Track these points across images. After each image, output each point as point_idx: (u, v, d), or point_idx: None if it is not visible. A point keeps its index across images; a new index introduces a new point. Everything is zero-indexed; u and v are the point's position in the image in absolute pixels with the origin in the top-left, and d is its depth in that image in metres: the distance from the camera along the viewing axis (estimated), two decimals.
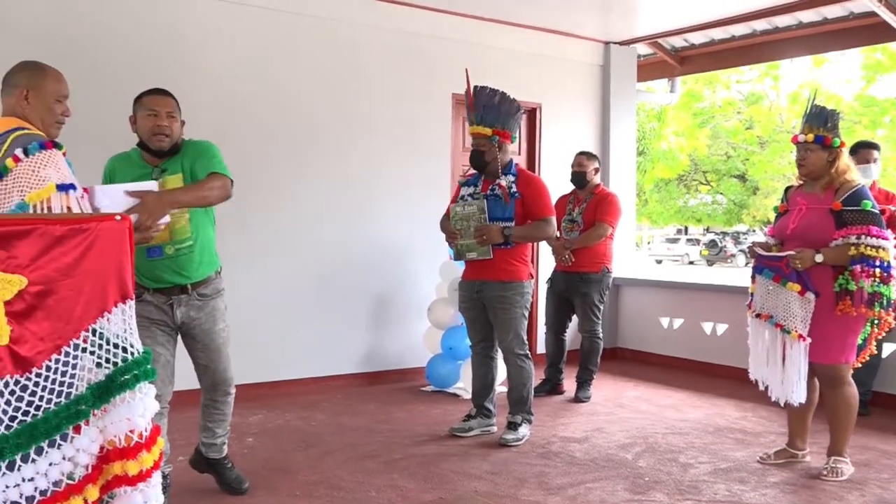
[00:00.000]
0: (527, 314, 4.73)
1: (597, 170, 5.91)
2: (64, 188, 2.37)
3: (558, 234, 5.55)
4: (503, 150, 4.67)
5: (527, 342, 4.75)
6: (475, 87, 4.65)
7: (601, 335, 5.90)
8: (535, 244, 6.35)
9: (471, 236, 4.61)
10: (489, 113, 4.63)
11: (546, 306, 6.11)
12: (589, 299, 5.78)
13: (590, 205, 5.79)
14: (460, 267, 5.84)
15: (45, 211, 2.29)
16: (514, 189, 4.62)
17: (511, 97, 4.67)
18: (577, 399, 5.78)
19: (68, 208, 2.33)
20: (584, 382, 5.87)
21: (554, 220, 4.69)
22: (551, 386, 5.99)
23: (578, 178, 5.86)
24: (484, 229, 4.55)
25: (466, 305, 4.83)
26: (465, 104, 4.80)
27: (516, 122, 4.74)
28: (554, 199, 4.88)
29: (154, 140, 3.38)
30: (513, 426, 4.69)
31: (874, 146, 5.41)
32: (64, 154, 2.55)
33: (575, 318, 5.99)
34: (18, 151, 2.41)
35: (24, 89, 2.73)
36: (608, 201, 5.80)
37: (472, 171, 4.84)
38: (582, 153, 5.96)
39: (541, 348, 6.86)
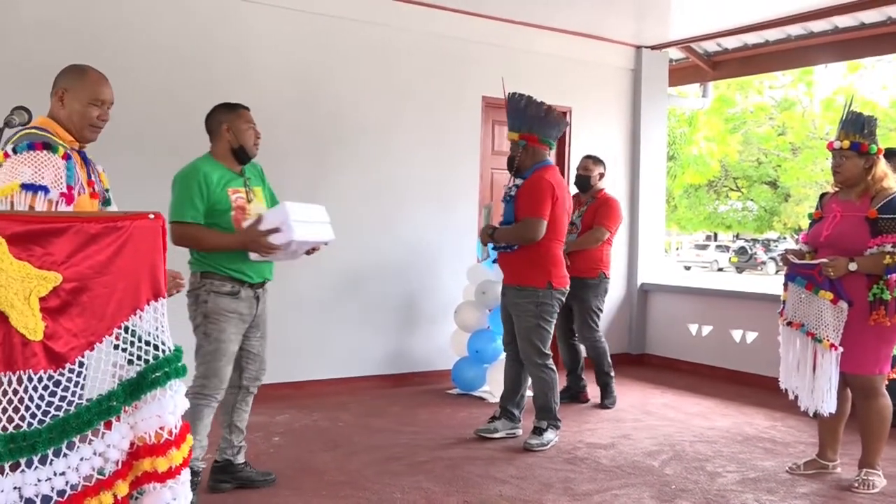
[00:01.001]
0: (545, 323, 4.63)
1: (602, 175, 5.82)
2: (32, 188, 2.42)
3: None
4: (533, 153, 4.66)
5: (547, 351, 4.68)
6: (509, 94, 4.68)
7: (602, 340, 5.80)
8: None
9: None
10: (517, 118, 4.67)
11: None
12: (587, 305, 5.70)
13: (590, 208, 5.72)
14: (488, 270, 5.85)
15: (9, 207, 2.37)
16: (513, 192, 4.67)
17: (539, 101, 4.66)
18: (603, 405, 5.72)
19: (31, 207, 2.41)
20: (605, 387, 5.79)
21: (538, 221, 4.53)
22: (573, 394, 5.87)
23: (583, 181, 5.80)
24: (482, 231, 4.85)
25: (502, 306, 4.91)
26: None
27: (548, 125, 4.69)
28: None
29: (255, 150, 3.73)
30: (538, 431, 4.68)
31: None
32: (66, 157, 2.56)
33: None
34: (9, 148, 2.50)
35: (62, 90, 2.76)
36: (608, 206, 5.74)
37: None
38: (588, 157, 5.89)
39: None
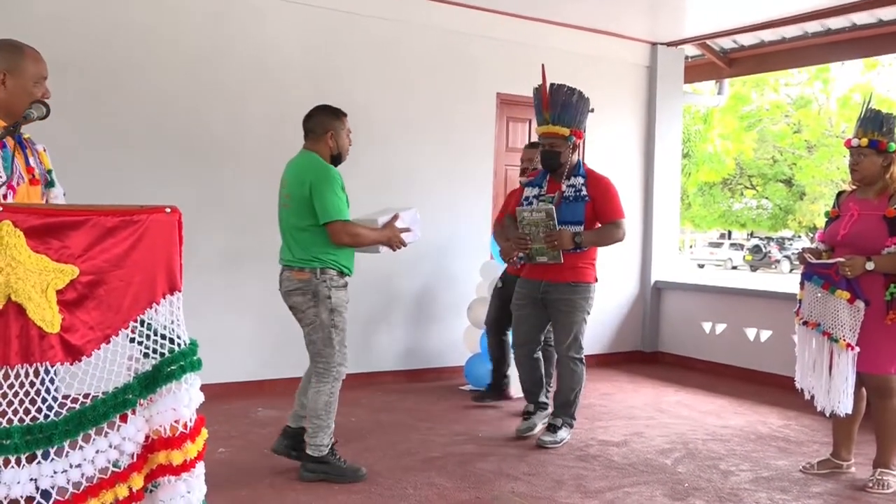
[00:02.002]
0: (588, 318, 4.64)
1: None
2: None
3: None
4: (575, 150, 4.59)
5: (583, 347, 4.67)
6: (551, 84, 4.51)
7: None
8: None
9: (540, 241, 4.48)
10: (567, 112, 4.49)
11: (489, 308, 5.70)
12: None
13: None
14: (501, 266, 5.83)
15: None
16: (584, 192, 4.52)
17: (585, 96, 4.55)
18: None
19: None
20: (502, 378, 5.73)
21: (625, 222, 4.55)
22: (498, 390, 5.69)
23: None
24: (556, 235, 4.41)
25: (523, 303, 4.72)
26: (536, 102, 4.61)
27: (586, 121, 4.63)
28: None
29: (347, 155, 4.04)
30: (553, 428, 4.67)
31: None
32: (1, 146, 2.47)
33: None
34: None
35: (2, 73, 2.60)
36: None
37: (534, 171, 4.78)
38: (534, 146, 5.35)
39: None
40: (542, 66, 4.61)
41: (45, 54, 2.69)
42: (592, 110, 4.74)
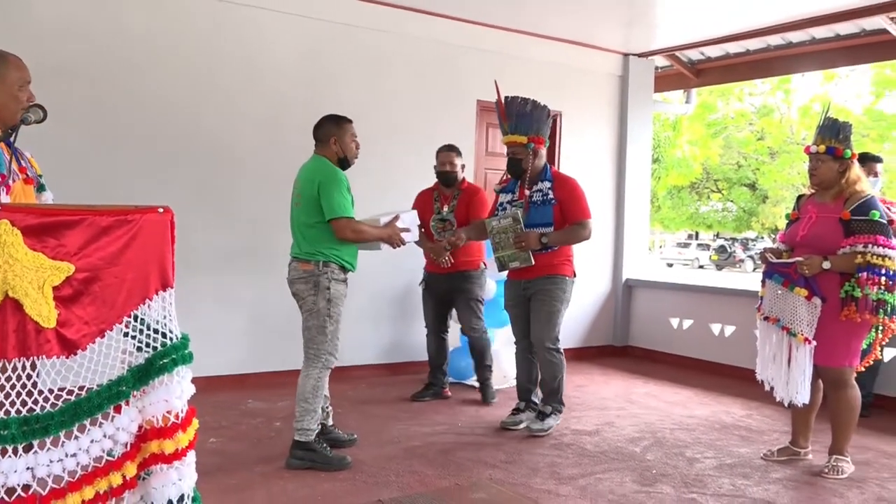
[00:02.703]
0: (564, 309, 4.65)
1: (463, 166, 5.46)
2: None
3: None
4: (538, 155, 4.60)
5: (559, 338, 4.67)
6: (506, 97, 4.56)
7: (487, 332, 5.51)
8: None
9: (511, 247, 4.52)
10: (523, 121, 4.52)
11: (424, 309, 5.61)
12: (472, 296, 5.37)
13: (460, 202, 5.34)
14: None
15: None
16: (550, 195, 4.54)
17: (542, 104, 4.57)
18: (485, 399, 5.46)
19: None
20: (485, 381, 5.52)
21: (590, 222, 4.57)
22: (436, 391, 5.55)
23: (449, 177, 5.36)
24: (522, 236, 4.47)
25: (512, 303, 4.78)
26: (496, 114, 4.67)
27: (548, 127, 4.65)
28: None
29: (355, 160, 4.17)
30: (541, 416, 4.67)
31: (878, 159, 5.34)
32: None
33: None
34: None
35: None
36: (481, 197, 5.38)
37: (508, 178, 4.78)
38: (451, 149, 5.40)
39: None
40: (495, 81, 4.66)
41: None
42: (549, 114, 4.65)
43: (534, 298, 4.63)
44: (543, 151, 4.63)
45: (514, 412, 4.86)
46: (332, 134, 4.06)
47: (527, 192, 4.62)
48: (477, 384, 5.87)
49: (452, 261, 5.14)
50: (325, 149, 4.09)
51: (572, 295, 4.70)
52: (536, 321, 4.63)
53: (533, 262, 4.50)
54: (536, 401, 4.87)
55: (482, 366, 5.51)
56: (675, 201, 27.54)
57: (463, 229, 4.87)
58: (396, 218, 4.11)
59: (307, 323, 4.00)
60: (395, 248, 4.15)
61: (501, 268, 4.64)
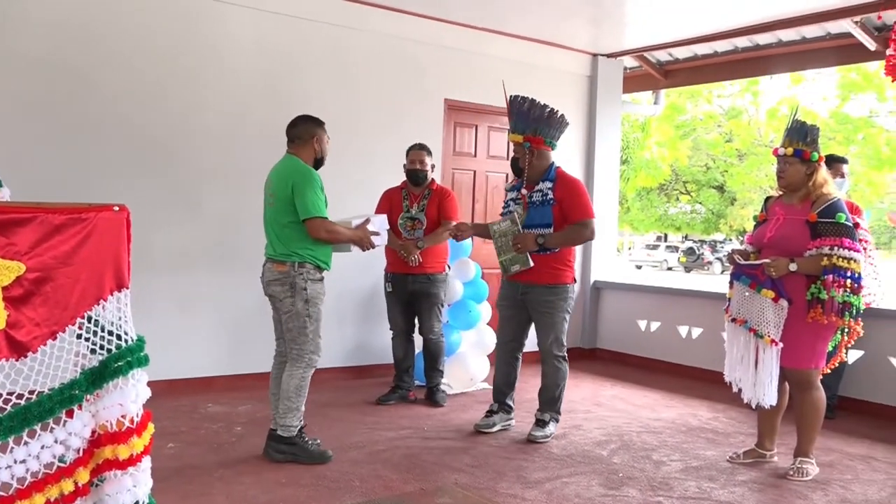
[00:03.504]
0: (568, 317, 4.67)
1: (433, 166, 5.48)
2: None
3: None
4: (539, 155, 4.59)
5: (565, 345, 4.70)
6: (511, 96, 4.57)
7: (443, 334, 5.56)
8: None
9: (511, 250, 4.54)
10: (520, 120, 4.56)
11: (390, 311, 5.59)
12: (436, 299, 5.40)
13: (430, 202, 5.34)
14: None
15: None
16: (550, 195, 4.54)
17: (542, 103, 4.57)
18: (435, 403, 5.42)
19: None
20: (435, 387, 5.50)
21: (593, 222, 4.56)
22: (402, 394, 5.52)
23: (419, 176, 5.37)
24: (518, 238, 4.49)
25: (506, 304, 4.76)
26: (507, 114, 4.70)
27: (552, 128, 4.62)
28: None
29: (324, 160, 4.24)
30: (541, 423, 4.67)
31: (844, 160, 5.44)
32: None
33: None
34: None
35: None
36: (451, 197, 5.40)
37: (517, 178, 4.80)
38: (421, 148, 5.42)
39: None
40: (503, 82, 4.73)
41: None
42: (562, 118, 4.67)
43: (533, 308, 4.63)
44: (547, 152, 4.64)
45: (487, 414, 4.85)
46: (314, 133, 4.16)
47: (525, 192, 4.63)
48: (433, 387, 5.87)
49: (421, 260, 5.18)
50: (301, 148, 4.13)
51: (574, 300, 4.71)
52: (542, 331, 4.65)
53: (532, 265, 4.50)
54: (510, 403, 4.87)
55: (434, 369, 5.52)
56: (644, 203, 27.86)
57: (454, 227, 4.92)
58: (367, 221, 4.18)
59: (288, 325, 4.07)
60: (364, 250, 4.23)
61: (505, 272, 4.66)
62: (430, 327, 5.45)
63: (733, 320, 4.13)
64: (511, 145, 4.84)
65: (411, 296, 5.43)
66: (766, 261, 3.95)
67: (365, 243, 4.16)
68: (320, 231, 3.97)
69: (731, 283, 4.19)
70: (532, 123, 4.55)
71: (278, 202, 4.01)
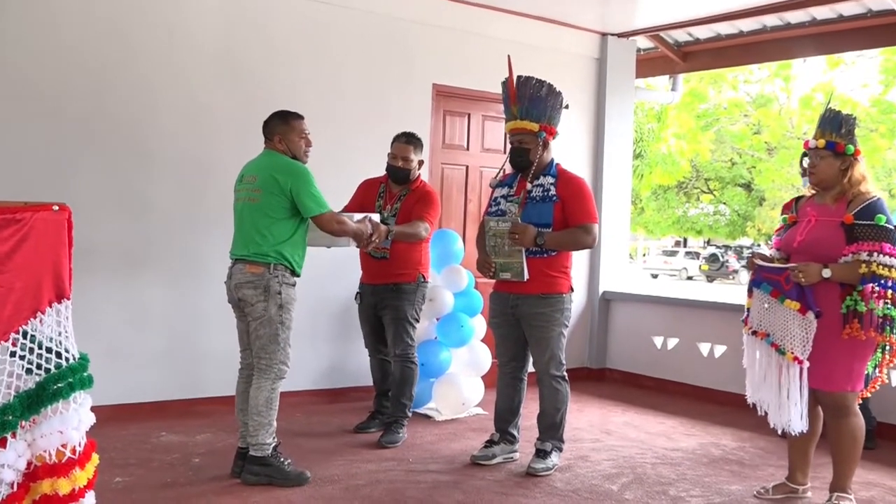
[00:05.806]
0: (566, 331, 4.67)
1: (421, 162, 5.37)
2: None
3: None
4: (547, 148, 4.62)
5: (564, 363, 4.69)
6: (519, 77, 4.56)
7: (415, 360, 5.33)
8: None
9: (505, 254, 4.51)
10: (536, 106, 4.53)
11: (361, 326, 5.55)
12: (401, 314, 5.21)
13: (406, 201, 5.23)
14: (435, 274, 5.83)
15: None
16: (552, 192, 4.55)
17: (557, 90, 4.59)
18: (381, 444, 5.08)
19: None
20: (394, 423, 5.21)
21: (596, 228, 4.58)
22: (383, 420, 5.39)
23: (402, 174, 5.26)
24: (519, 229, 4.42)
25: (498, 321, 4.75)
26: (504, 97, 4.65)
27: (559, 117, 4.67)
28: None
29: (306, 158, 4.44)
30: (542, 454, 4.66)
31: None
32: None
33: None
34: None
35: None
36: (430, 197, 5.26)
37: (506, 173, 4.80)
38: (409, 141, 5.28)
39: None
40: (509, 57, 4.68)
41: None
42: (566, 106, 4.76)
43: (526, 321, 4.63)
44: (550, 145, 4.66)
45: (487, 444, 4.85)
46: (277, 132, 4.34)
47: (528, 185, 4.62)
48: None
49: (380, 245, 4.84)
50: (273, 146, 4.38)
51: (571, 312, 4.71)
52: (536, 349, 4.65)
53: (526, 278, 4.48)
54: (514, 433, 4.86)
55: (397, 401, 5.26)
56: (661, 203, 27.99)
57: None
58: (366, 218, 4.57)
59: (258, 331, 4.22)
60: (360, 246, 4.63)
61: (493, 277, 4.66)
62: (395, 347, 5.27)
63: (753, 333, 4.13)
64: (508, 135, 4.79)
65: (375, 308, 5.34)
66: (793, 265, 3.93)
67: (364, 238, 4.48)
68: (332, 223, 4.29)
69: (749, 290, 4.19)
70: (548, 111, 4.58)
71: (265, 197, 4.21)
